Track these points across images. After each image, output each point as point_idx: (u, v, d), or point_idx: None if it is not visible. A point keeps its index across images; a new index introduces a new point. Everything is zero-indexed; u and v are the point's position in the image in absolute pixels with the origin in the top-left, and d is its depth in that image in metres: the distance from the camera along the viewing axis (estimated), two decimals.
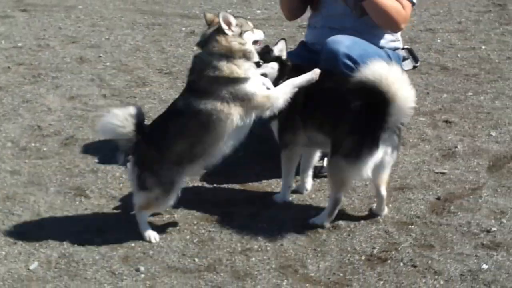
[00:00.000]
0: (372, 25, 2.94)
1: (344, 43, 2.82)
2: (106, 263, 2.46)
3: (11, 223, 2.68)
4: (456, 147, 3.19)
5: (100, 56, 4.46)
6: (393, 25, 2.92)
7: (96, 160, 3.19)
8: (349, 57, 2.79)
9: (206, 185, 2.97)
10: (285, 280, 2.35)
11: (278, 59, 2.71)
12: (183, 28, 4.95)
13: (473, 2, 5.25)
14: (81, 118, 3.62)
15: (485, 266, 2.38)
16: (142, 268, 2.42)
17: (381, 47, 2.99)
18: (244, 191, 2.91)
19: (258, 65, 2.53)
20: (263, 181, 2.99)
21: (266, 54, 2.67)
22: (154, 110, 3.69)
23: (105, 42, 4.71)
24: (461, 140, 3.29)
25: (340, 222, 2.66)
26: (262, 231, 2.62)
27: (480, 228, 2.59)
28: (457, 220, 2.64)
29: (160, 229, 2.65)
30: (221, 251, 2.51)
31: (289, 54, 3.32)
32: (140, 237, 2.59)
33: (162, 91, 3.93)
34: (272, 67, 2.68)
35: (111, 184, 2.98)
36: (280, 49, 2.72)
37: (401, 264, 2.41)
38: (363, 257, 2.45)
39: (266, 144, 3.21)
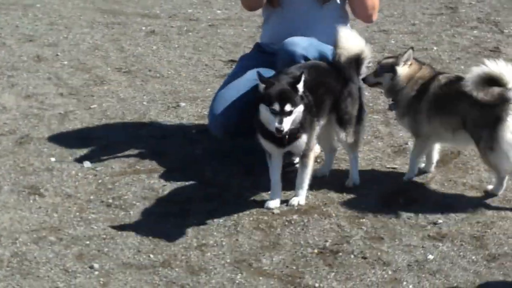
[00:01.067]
0: (335, 16, 3.03)
1: (301, 44, 2.89)
2: (60, 261, 2.45)
3: None
4: (406, 143, 3.30)
5: (57, 55, 4.40)
6: (370, 13, 3.03)
7: (51, 159, 3.16)
8: (306, 59, 2.86)
9: (162, 181, 2.98)
10: (239, 274, 2.40)
11: None
12: (143, 28, 4.93)
13: (426, 5, 5.39)
14: (37, 116, 3.58)
15: (431, 257, 2.48)
16: (96, 265, 2.42)
17: None
18: (201, 188, 2.94)
19: None
20: (220, 178, 3.02)
21: None
22: (112, 109, 3.68)
23: (63, 41, 4.65)
24: (412, 137, 3.40)
25: (294, 216, 2.72)
26: (218, 226, 2.66)
27: (427, 220, 2.69)
28: (405, 213, 2.74)
29: (115, 226, 2.66)
30: (176, 247, 2.54)
31: (246, 56, 3.36)
32: (95, 234, 2.59)
33: (120, 89, 3.92)
34: None
35: (66, 183, 2.96)
36: None
37: (352, 256, 2.49)
38: (315, 250, 2.51)
39: (224, 141, 3.25)
